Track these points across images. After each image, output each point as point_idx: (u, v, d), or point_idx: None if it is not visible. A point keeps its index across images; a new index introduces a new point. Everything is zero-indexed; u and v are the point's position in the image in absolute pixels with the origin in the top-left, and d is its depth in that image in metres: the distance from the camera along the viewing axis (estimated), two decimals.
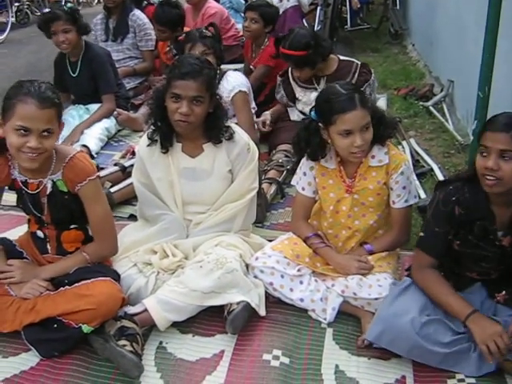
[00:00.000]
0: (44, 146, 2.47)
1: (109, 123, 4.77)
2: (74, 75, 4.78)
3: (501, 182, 2.34)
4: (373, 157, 2.87)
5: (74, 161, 2.64)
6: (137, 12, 5.66)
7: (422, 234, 2.69)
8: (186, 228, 3.05)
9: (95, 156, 4.40)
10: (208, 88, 2.90)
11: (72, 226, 2.79)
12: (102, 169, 3.98)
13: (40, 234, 2.82)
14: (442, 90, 5.75)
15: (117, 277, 2.71)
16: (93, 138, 4.49)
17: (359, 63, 4.28)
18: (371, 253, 2.93)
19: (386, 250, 2.95)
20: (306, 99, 4.28)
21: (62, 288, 2.64)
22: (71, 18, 4.59)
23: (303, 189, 3.03)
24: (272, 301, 2.89)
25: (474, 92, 4.08)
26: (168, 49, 5.49)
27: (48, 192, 2.67)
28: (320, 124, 2.82)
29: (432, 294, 2.58)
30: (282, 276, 2.83)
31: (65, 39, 4.58)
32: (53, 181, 2.66)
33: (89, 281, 2.60)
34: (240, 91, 4.15)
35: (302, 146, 2.92)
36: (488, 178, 2.35)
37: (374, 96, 4.33)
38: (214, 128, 2.99)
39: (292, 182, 3.14)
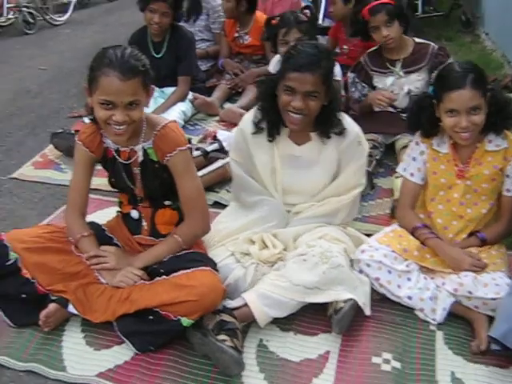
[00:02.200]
0: (131, 118, 2.38)
1: (185, 106, 4.60)
2: (158, 56, 4.57)
3: None
4: (489, 141, 2.72)
5: (166, 130, 2.52)
6: None
7: None
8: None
9: None
10: (325, 81, 2.67)
11: (166, 203, 2.66)
12: None
13: (135, 214, 2.70)
14: None
15: (214, 266, 2.54)
16: None
17: (436, 46, 4.02)
18: (483, 242, 2.76)
19: (496, 240, 2.79)
20: (383, 85, 4.02)
21: (158, 278, 2.48)
22: (175, 4, 4.44)
23: (412, 175, 2.86)
24: (375, 298, 2.69)
25: None
26: (237, 35, 5.28)
27: (140, 160, 2.56)
28: (434, 101, 2.68)
29: None
30: (390, 271, 2.65)
31: (159, 21, 4.42)
32: (144, 149, 2.55)
33: (188, 270, 2.43)
34: (334, 80, 3.90)
35: (413, 120, 2.81)
36: None
37: None
38: (325, 122, 2.76)
39: (398, 170, 2.98)
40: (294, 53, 2.68)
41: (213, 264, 2.54)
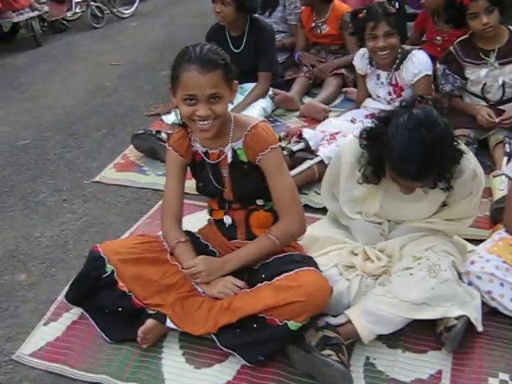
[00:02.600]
0: (215, 112, 2.32)
1: (265, 103, 4.47)
2: (237, 51, 4.43)
3: None
4: None
5: (257, 129, 2.45)
6: None
7: None
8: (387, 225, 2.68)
9: None
10: (439, 171, 2.35)
11: (258, 203, 2.57)
12: None
13: (228, 219, 2.63)
14: None
15: (317, 266, 2.42)
16: None
17: None
18: None
19: None
20: (476, 77, 3.78)
21: (260, 284, 2.38)
22: None
23: None
24: (484, 311, 2.49)
25: None
26: (314, 25, 5.09)
27: (229, 161, 2.50)
28: None
29: None
30: (502, 284, 2.47)
31: (220, 11, 4.28)
32: (233, 149, 2.49)
33: (291, 272, 2.33)
34: (426, 75, 3.74)
35: None
36: None
37: None
38: (438, 176, 2.39)
39: (506, 172, 2.77)
40: (398, 154, 2.26)
41: (315, 264, 2.43)
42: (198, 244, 2.64)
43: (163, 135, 3.93)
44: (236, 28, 4.44)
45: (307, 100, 4.82)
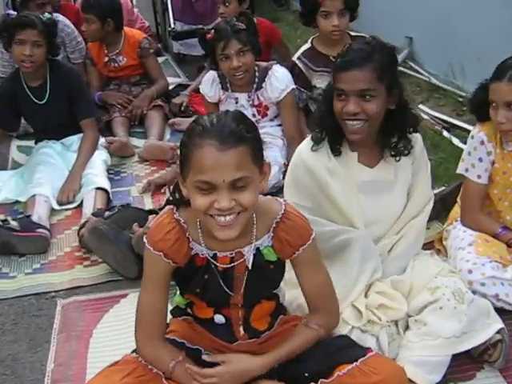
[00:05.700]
0: (241, 204, 1.73)
1: (104, 154, 3.87)
2: (42, 103, 3.78)
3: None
4: None
5: (291, 217, 1.91)
6: (60, 17, 4.62)
7: None
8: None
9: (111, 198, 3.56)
10: (381, 77, 2.24)
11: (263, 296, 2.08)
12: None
13: (220, 319, 2.06)
14: None
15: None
16: (102, 177, 3.60)
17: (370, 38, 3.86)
18: None
19: None
20: (324, 85, 3.75)
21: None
22: (47, 31, 3.63)
23: (479, 177, 2.67)
24: None
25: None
26: (107, 59, 4.62)
27: (250, 266, 1.93)
28: None
29: None
30: (502, 284, 2.47)
31: (31, 54, 3.58)
32: (258, 249, 1.94)
33: (357, 363, 1.94)
34: (292, 89, 3.61)
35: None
36: None
37: None
38: (394, 133, 2.38)
39: (459, 171, 2.74)
40: (344, 51, 2.34)
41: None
42: (188, 352, 2.04)
43: (13, 223, 3.16)
44: (37, 77, 3.77)
45: (138, 142, 4.33)
